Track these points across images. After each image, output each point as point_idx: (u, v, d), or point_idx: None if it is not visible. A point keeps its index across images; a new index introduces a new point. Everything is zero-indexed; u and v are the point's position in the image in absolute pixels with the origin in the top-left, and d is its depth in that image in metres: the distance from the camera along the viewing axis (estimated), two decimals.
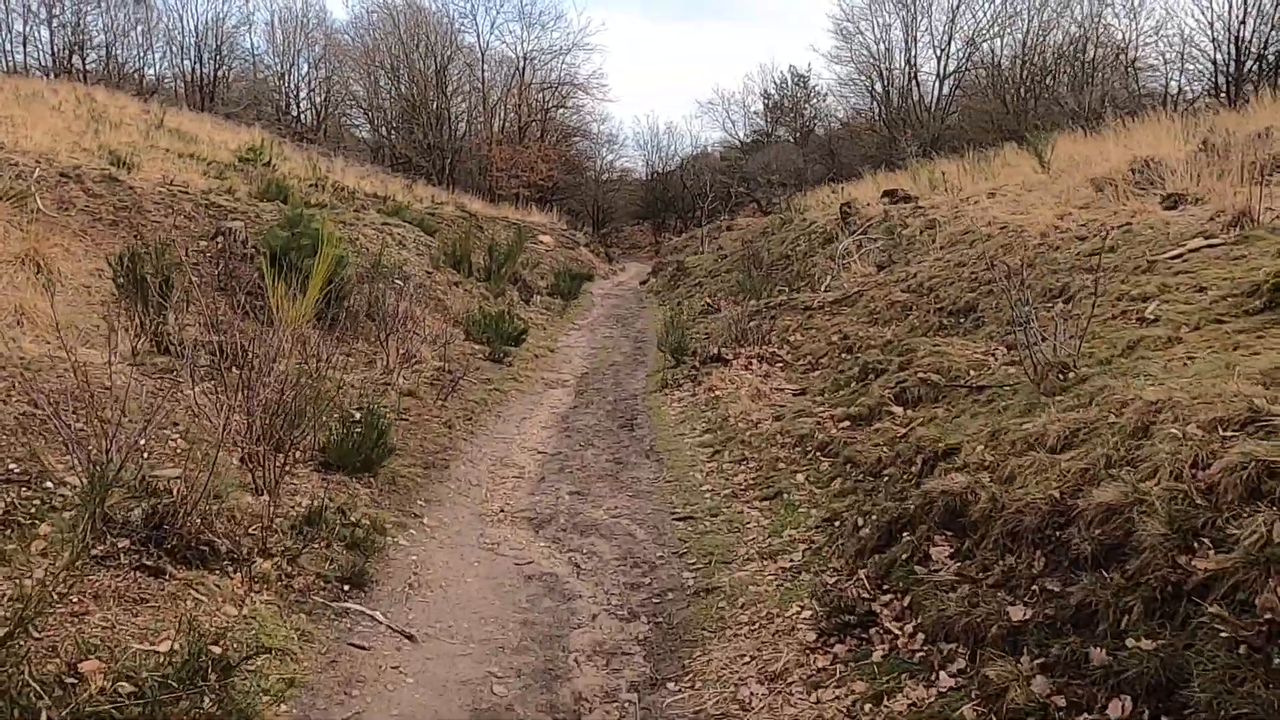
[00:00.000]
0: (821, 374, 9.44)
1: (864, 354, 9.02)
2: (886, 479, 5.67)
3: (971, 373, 6.65)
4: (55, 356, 5.72)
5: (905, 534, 4.63)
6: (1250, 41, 26.11)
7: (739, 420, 7.98)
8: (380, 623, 4.44)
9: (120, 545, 4.09)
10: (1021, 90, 33.05)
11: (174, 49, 39.25)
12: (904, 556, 4.46)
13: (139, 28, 37.91)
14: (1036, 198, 12.34)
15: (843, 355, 9.57)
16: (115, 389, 5.25)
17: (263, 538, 4.69)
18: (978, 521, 4.26)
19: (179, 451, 5.26)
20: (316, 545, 4.90)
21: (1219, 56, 26.87)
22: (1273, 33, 25.77)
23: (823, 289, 13.02)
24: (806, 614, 4.43)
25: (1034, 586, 3.65)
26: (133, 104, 25.87)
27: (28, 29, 35.46)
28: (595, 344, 14.79)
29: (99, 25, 36.55)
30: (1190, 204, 8.76)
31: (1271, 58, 25.84)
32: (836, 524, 5.41)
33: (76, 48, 36.33)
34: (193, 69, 39.77)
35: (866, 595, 4.34)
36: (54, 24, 35.71)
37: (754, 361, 10.23)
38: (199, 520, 4.33)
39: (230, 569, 4.35)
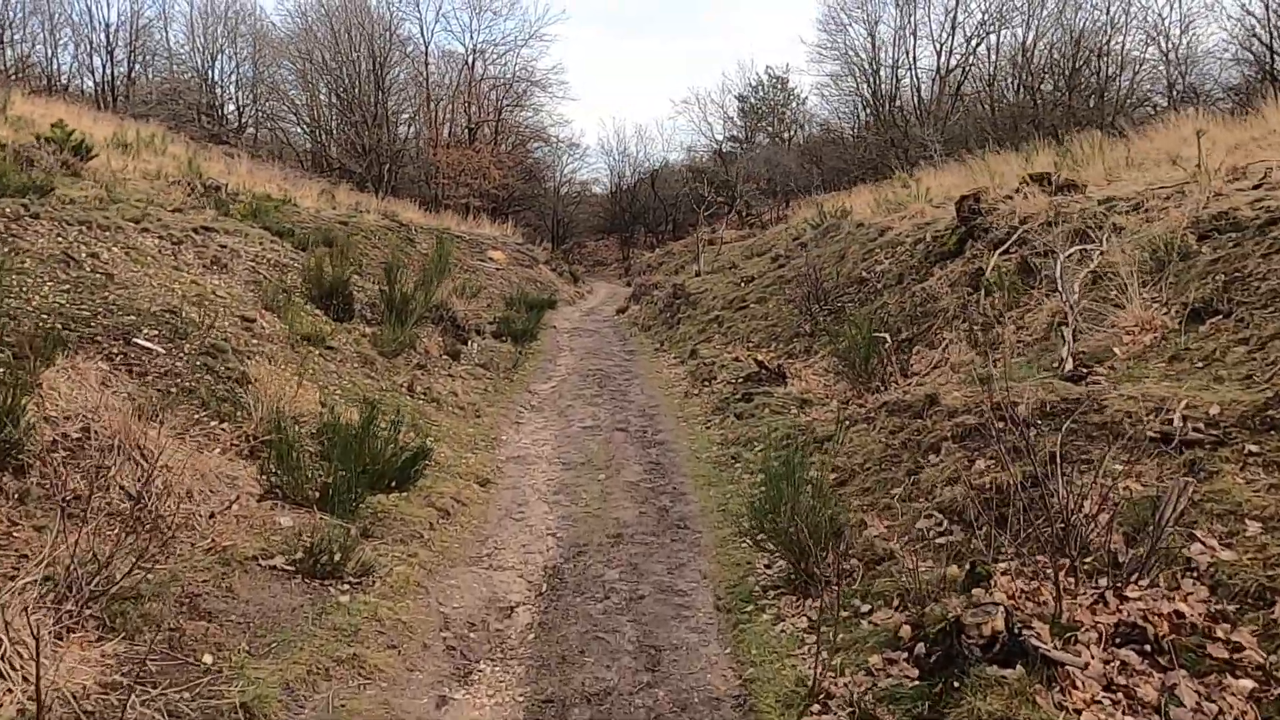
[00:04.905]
0: None
1: None
2: None
3: None
4: None
5: None
6: None
7: None
8: None
9: None
10: (1048, 84, 26.07)
11: (83, 45, 31.00)
12: None
13: (36, 19, 29.58)
14: None
15: None
16: None
17: None
18: None
19: None
20: None
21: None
22: None
23: (1069, 360, 5.59)
24: None
25: None
26: None
27: None
28: (569, 452, 7.18)
29: None
30: None
31: None
32: None
33: None
34: (103, 66, 31.46)
35: None
36: None
37: (1121, 667, 2.76)
38: None
39: None
